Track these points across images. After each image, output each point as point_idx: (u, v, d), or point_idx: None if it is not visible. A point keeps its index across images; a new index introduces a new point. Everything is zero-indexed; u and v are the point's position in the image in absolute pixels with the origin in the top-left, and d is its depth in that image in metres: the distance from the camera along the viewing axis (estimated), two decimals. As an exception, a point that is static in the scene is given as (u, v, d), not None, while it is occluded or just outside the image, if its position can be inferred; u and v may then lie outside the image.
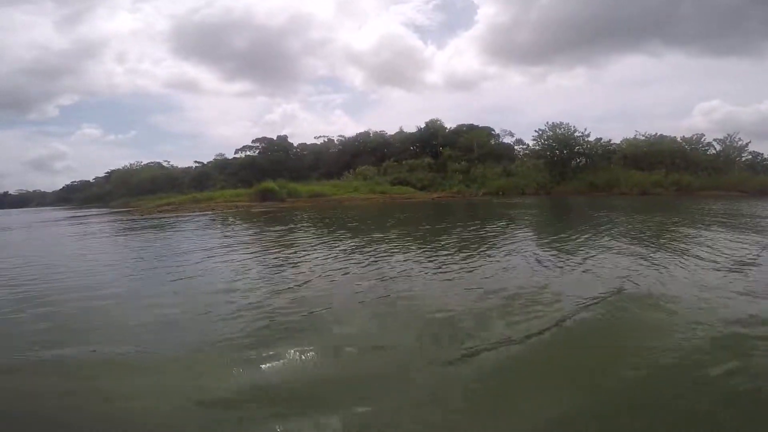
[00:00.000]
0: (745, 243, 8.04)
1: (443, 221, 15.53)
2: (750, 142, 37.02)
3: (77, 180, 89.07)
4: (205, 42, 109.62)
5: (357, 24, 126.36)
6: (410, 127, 57.43)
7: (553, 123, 38.48)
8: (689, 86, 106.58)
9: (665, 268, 5.98)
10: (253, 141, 64.73)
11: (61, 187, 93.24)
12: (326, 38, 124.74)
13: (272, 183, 33.19)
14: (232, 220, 18.44)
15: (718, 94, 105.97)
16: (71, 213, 36.70)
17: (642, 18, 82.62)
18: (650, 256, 6.83)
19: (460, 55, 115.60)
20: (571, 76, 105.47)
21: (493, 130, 52.68)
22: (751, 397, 2.58)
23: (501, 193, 33.91)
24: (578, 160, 37.01)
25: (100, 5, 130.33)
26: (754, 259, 6.24)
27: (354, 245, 9.32)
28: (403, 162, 46.62)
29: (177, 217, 21.64)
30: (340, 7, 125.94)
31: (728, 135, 37.35)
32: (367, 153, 57.26)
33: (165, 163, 67.31)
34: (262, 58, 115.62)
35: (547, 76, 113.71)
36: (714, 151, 37.06)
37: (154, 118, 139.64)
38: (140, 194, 57.58)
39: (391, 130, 60.49)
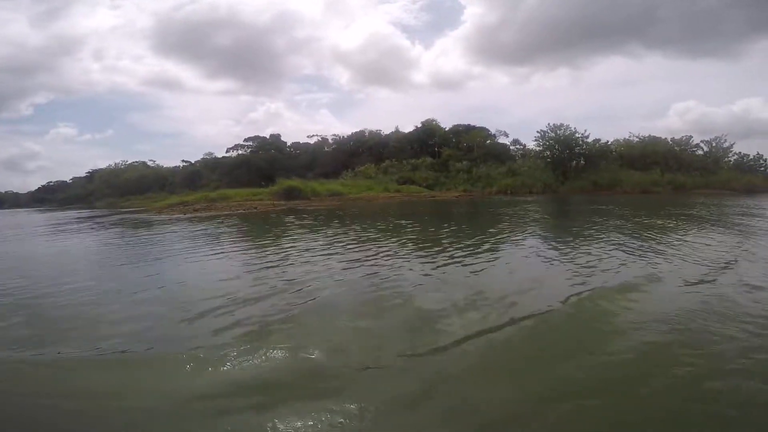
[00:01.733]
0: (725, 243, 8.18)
1: (504, 217, 15.89)
2: (734, 143, 39.84)
3: (53, 180, 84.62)
4: (188, 39, 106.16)
5: (344, 23, 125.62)
6: (401, 127, 57.96)
7: (554, 124, 39.87)
8: (666, 87, 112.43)
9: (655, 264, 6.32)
10: (245, 140, 63.36)
11: (36, 188, 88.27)
12: (313, 36, 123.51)
13: (296, 181, 32.62)
14: (302, 219, 17.20)
15: (693, 95, 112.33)
16: (64, 214, 33.34)
17: (623, 20, 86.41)
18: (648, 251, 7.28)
19: (447, 54, 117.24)
20: (554, 76, 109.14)
21: (489, 131, 54.11)
22: (686, 384, 2.81)
23: (509, 192, 34.80)
24: (578, 161, 38.47)
25: (79, 1, 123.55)
26: (732, 261, 6.43)
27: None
28: (404, 161, 46.96)
29: (224, 216, 20.28)
30: (328, 5, 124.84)
31: (715, 137, 40.02)
32: (364, 152, 57.28)
33: (150, 163, 64.75)
34: (246, 56, 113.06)
35: (531, 77, 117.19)
36: (702, 152, 39.61)
37: (133, 117, 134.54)
38: (127, 194, 55.19)
39: (377, 128, 60.58)
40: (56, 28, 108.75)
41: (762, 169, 38.21)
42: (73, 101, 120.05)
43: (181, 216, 22.37)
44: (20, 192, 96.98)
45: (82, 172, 79.69)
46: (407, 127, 57.54)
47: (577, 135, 38.84)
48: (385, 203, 27.36)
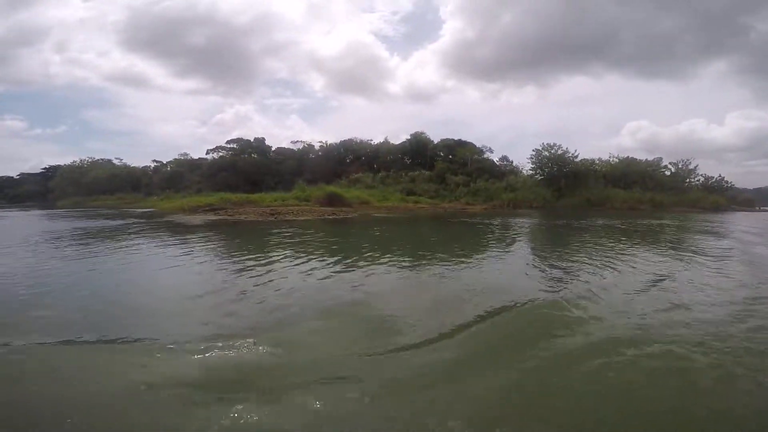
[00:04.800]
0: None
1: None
2: (697, 166, 45.15)
3: None
4: (160, 35, 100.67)
5: (325, 28, 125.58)
6: (375, 137, 59.08)
7: (547, 144, 42.80)
8: (622, 106, 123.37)
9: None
10: (227, 141, 60.70)
11: None
12: (291, 40, 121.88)
13: (335, 188, 32.70)
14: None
15: (645, 115, 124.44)
16: (52, 224, 20.77)
17: (589, 40, 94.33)
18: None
19: (423, 67, 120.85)
20: (522, 93, 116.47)
21: (476, 146, 56.61)
22: (620, 382, 3.33)
23: (511, 205, 36.78)
24: (568, 178, 41.54)
25: None
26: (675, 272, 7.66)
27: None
28: (402, 173, 47.69)
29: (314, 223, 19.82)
30: (310, 9, 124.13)
31: (681, 160, 45.32)
32: (354, 161, 57.33)
33: (117, 161, 59.65)
34: (219, 56, 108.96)
35: (500, 93, 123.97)
36: (669, 173, 44.61)
37: (89, 113, 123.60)
38: (94, 194, 50.49)
39: (368, 138, 61.33)
40: (19, 18, 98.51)
41: (726, 189, 43.88)
42: (25, 93, 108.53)
43: (237, 219, 21.74)
44: None
45: (28, 168, 71.68)
46: (393, 139, 58.64)
47: (567, 155, 42.06)
48: (431, 213, 28.36)
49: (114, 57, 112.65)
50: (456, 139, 55.88)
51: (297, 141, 64.52)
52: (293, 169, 56.36)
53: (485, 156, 52.83)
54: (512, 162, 51.69)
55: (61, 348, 3.95)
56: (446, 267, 8.22)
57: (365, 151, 58.27)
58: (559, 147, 42.02)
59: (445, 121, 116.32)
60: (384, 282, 6.92)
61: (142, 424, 2.66)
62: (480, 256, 10.02)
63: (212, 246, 11.88)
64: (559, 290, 6.22)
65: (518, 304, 5.41)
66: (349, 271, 7.77)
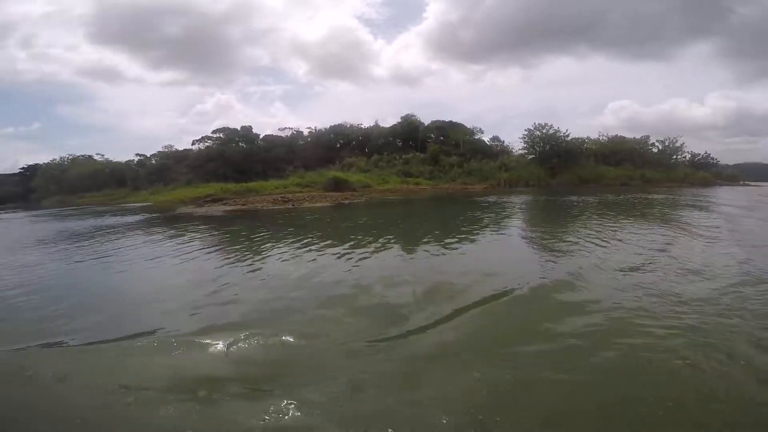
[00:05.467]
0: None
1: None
2: (684, 143, 46.31)
3: None
4: (131, 27, 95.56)
5: (307, 14, 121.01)
6: (363, 121, 58.76)
7: (539, 123, 43.16)
8: (605, 87, 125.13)
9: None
10: (213, 131, 58.97)
11: None
12: (272, 27, 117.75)
13: (341, 173, 33.25)
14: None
15: (627, 95, 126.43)
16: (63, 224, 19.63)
17: (575, 21, 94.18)
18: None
19: (407, 50, 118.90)
20: (507, 75, 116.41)
21: (466, 127, 56.58)
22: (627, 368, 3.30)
23: (507, 185, 37.40)
24: (560, 157, 42.18)
25: None
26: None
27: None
28: (396, 156, 47.56)
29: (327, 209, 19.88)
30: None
31: (668, 138, 46.44)
32: (345, 146, 56.64)
33: (98, 157, 57.39)
34: (197, 46, 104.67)
35: (485, 74, 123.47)
36: (656, 150, 45.77)
37: (62, 109, 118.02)
38: (79, 191, 48.82)
39: (358, 123, 60.56)
40: None
41: (712, 165, 45.43)
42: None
43: (249, 208, 21.71)
44: None
45: (3, 169, 68.50)
46: (382, 123, 58.06)
47: (559, 134, 42.57)
48: (433, 194, 28.92)
49: (84, 51, 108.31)
50: (447, 120, 55.94)
51: (284, 128, 63.06)
52: (283, 157, 55.38)
53: (477, 137, 53.21)
54: (504, 142, 52.19)
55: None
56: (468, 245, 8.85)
57: (355, 135, 57.55)
58: (551, 127, 42.54)
59: (431, 104, 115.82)
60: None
61: (147, 423, 2.68)
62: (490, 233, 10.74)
63: (272, 238, 10.83)
64: (561, 269, 6.30)
65: (522, 286, 5.39)
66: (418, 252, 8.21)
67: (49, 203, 45.16)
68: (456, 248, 8.44)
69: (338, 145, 56.98)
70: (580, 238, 8.91)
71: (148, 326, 4.44)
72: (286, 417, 2.67)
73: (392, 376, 3.21)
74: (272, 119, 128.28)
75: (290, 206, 23.84)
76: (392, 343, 3.79)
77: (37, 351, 3.94)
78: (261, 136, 61.19)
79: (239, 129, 60.05)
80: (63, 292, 6.08)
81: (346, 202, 25.07)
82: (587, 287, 5.33)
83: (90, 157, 56.61)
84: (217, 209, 23.05)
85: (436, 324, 4.22)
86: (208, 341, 3.88)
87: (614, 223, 11.87)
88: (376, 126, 58.34)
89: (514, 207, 18.88)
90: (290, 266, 7.33)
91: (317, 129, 60.49)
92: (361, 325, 4.27)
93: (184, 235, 12.13)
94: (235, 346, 3.74)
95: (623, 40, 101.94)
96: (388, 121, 59.80)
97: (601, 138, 45.90)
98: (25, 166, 60.78)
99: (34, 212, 33.26)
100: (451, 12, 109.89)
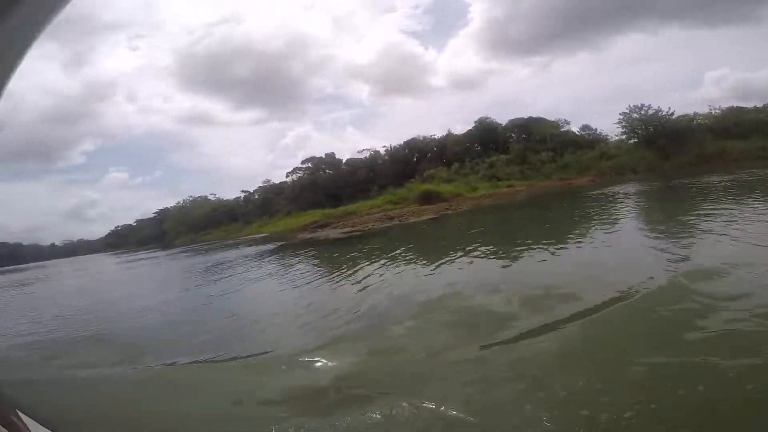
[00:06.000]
0: None
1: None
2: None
3: (119, 225, 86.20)
4: (209, 73, 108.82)
5: (354, 38, 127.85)
6: (433, 132, 58.51)
7: (634, 105, 39.93)
8: (691, 59, 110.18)
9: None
10: (302, 162, 64.57)
11: (106, 234, 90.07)
12: (326, 56, 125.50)
13: (429, 185, 34.92)
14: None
15: (723, 63, 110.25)
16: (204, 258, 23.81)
17: None
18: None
19: (460, 55, 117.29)
20: (575, 61, 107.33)
21: (550, 121, 54.15)
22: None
23: (613, 173, 35.09)
24: (669, 137, 38.33)
25: (100, 44, 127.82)
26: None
27: None
28: (478, 161, 47.41)
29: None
30: (334, 23, 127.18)
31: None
32: (421, 159, 57.91)
33: (211, 197, 66.53)
34: (266, 84, 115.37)
35: (550, 65, 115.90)
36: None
37: (173, 156, 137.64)
38: (202, 229, 56.68)
39: (402, 139, 60.86)
40: (87, 73, 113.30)
41: None
42: (117, 146, 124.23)
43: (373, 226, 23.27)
44: (90, 239, 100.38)
45: (139, 215, 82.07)
46: (454, 129, 58.19)
47: (660, 113, 38.96)
48: (532, 194, 28.13)
49: (177, 99, 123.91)
50: (525, 117, 54.18)
51: (363, 150, 66.23)
52: (366, 178, 58.47)
53: (564, 129, 50.73)
54: (596, 130, 49.00)
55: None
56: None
57: (430, 147, 58.58)
58: (649, 107, 39.01)
59: (500, 104, 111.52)
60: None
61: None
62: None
63: (411, 255, 11.55)
64: (697, 266, 5.67)
65: (633, 290, 4.90)
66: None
67: (180, 242, 53.28)
68: (580, 247, 8.40)
69: (414, 159, 58.57)
70: (711, 228, 8.00)
71: (267, 345, 4.89)
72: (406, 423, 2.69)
73: (510, 379, 3.12)
74: (346, 144, 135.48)
75: (397, 222, 25.28)
76: (506, 346, 3.77)
77: (181, 366, 4.59)
78: (343, 161, 65.76)
79: (324, 157, 65.04)
80: (208, 317, 7.20)
81: (450, 212, 25.75)
82: (728, 288, 4.54)
83: (205, 197, 65.92)
84: (333, 233, 25.20)
85: (556, 327, 4.12)
86: (322, 356, 4.08)
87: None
88: (450, 135, 58.75)
89: (627, 198, 17.80)
90: (410, 277, 7.91)
91: (392, 146, 62.54)
92: (471, 331, 4.31)
93: (316, 258, 14.04)
94: (348, 359, 3.92)
95: (692, 7, 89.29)
96: (458, 128, 59.86)
97: (713, 111, 40.76)
98: (157, 211, 72.44)
99: (173, 251, 39.19)
100: (494, 9, 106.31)
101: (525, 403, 2.78)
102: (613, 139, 41.97)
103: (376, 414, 2.78)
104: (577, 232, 10.18)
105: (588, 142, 44.55)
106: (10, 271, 51.30)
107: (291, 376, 3.71)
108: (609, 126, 47.65)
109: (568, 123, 52.08)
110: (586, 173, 36.37)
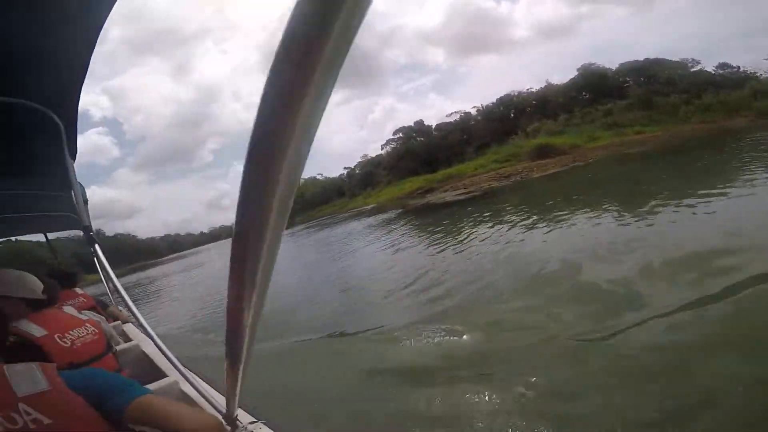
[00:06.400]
0: None
1: None
2: None
3: None
4: None
5: (417, 3, 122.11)
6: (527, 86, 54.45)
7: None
8: None
9: None
10: (393, 132, 66.31)
11: None
12: (394, 26, 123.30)
13: (540, 140, 33.91)
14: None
15: None
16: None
17: None
18: None
19: (541, 1, 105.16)
20: None
21: (672, 61, 47.03)
22: None
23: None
24: None
25: (193, 52, 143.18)
26: None
27: None
28: (591, 109, 43.95)
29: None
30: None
31: None
32: (519, 115, 55.25)
33: (319, 176, 73.22)
34: (346, 63, 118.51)
35: (653, 1, 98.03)
36: None
37: None
38: (315, 206, 62.88)
39: (490, 98, 57.79)
40: (194, 79, 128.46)
41: None
42: (234, 141, 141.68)
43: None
44: (227, 224, 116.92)
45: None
46: (554, 80, 53.96)
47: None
48: (671, 141, 25.68)
49: None
50: (641, 59, 47.79)
51: (451, 113, 65.52)
52: (459, 140, 58.16)
53: (693, 69, 43.97)
54: (738, 68, 41.69)
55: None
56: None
57: (529, 101, 55.54)
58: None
59: (600, 49, 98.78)
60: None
61: (360, 409, 2.97)
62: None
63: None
64: None
65: None
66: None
67: (300, 219, 60.02)
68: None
69: (511, 116, 56.22)
70: None
71: (382, 321, 5.02)
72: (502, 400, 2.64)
73: (641, 373, 2.62)
74: (430, 110, 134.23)
75: (518, 179, 24.85)
76: (637, 329, 3.21)
77: (309, 342, 4.94)
78: (433, 127, 65.88)
79: (413, 125, 66.02)
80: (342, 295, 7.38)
81: (580, 163, 24.65)
82: None
83: (315, 178, 72.65)
84: (447, 195, 25.17)
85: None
86: (425, 332, 4.10)
87: None
88: (549, 86, 55.00)
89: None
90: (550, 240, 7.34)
91: (484, 106, 60.71)
92: (598, 311, 3.77)
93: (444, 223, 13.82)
94: (447, 337, 3.90)
95: None
96: (556, 78, 55.38)
97: None
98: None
99: (296, 228, 43.21)
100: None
101: (663, 400, 2.28)
102: (765, 76, 35.83)
103: (481, 395, 2.74)
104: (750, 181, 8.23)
105: (732, 82, 38.41)
106: (173, 259, 63.39)
107: (403, 350, 3.88)
108: (757, 62, 40.03)
109: (698, 62, 45.12)
110: (737, 115, 31.98)
